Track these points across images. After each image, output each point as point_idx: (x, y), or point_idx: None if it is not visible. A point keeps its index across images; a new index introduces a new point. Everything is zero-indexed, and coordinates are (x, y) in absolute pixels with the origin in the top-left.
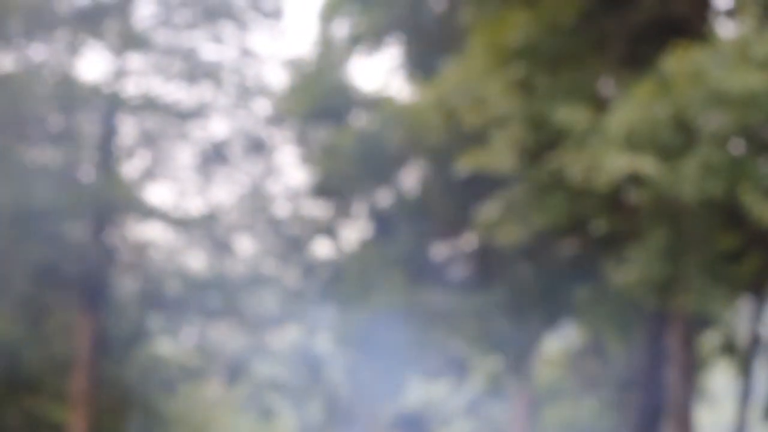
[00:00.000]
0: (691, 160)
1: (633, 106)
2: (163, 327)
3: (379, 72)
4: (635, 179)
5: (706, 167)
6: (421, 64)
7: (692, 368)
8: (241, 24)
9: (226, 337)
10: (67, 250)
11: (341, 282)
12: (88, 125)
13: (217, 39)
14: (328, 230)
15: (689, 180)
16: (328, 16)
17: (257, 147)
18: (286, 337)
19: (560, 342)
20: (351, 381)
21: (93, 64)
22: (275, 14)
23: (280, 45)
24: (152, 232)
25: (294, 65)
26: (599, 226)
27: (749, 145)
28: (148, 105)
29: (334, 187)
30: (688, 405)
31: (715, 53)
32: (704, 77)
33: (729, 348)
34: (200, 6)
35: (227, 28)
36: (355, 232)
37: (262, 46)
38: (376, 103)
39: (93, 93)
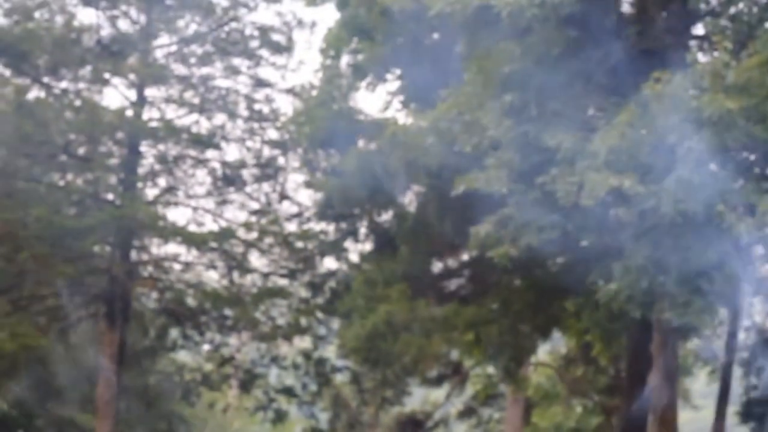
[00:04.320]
0: (671, 180)
1: (616, 129)
2: (181, 338)
3: (381, 99)
4: (619, 197)
5: (685, 186)
6: (419, 92)
7: (674, 373)
8: (254, 58)
9: (241, 348)
10: (93, 266)
11: (347, 295)
12: (113, 151)
13: (231, 71)
14: (335, 248)
15: (669, 198)
16: (329, 49)
17: (267, 170)
18: (296, 348)
19: (551, 349)
20: (356, 388)
21: (116, 94)
22: (286, 49)
23: (288, 76)
24: (172, 249)
25: (301, 94)
26: (586, 242)
27: (726, 165)
28: (168, 132)
29: (338, 207)
30: (671, 407)
31: (692, 80)
32: (682, 103)
33: (708, 355)
34: (215, 42)
35: (240, 62)
36: (359, 249)
37: (272, 77)
38: (378, 129)
39: (117, 121)
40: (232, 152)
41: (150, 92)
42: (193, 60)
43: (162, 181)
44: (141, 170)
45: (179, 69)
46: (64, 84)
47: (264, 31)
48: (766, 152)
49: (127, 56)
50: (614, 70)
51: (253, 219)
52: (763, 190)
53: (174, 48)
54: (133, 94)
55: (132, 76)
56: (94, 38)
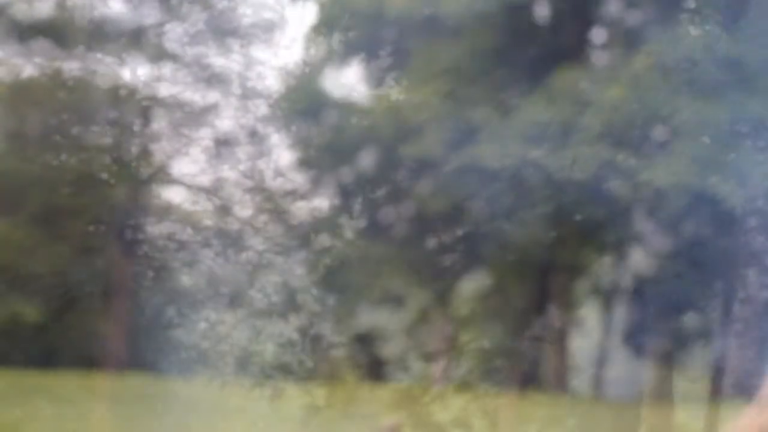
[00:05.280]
0: (571, 152)
1: (530, 111)
2: (182, 265)
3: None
4: (530, 164)
5: (582, 157)
6: (377, 77)
7: (569, 305)
8: (246, 39)
9: (228, 274)
10: (113, 207)
11: (313, 235)
12: (131, 116)
13: (227, 52)
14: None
15: (569, 166)
16: (311, 38)
17: (255, 135)
18: (272, 275)
19: (473, 283)
20: (319, 308)
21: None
22: (272, 30)
23: (274, 59)
24: (176, 195)
25: (284, 75)
26: (503, 199)
27: (614, 142)
28: (175, 103)
29: (310, 166)
30: (566, 332)
31: (590, 74)
32: (582, 92)
33: (596, 291)
34: (208, 20)
35: (235, 44)
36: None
37: (260, 60)
38: (343, 106)
39: (135, 93)
40: (226, 120)
41: (143, 71)
42: (185, 39)
43: (156, 160)
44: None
45: (172, 48)
46: (92, 61)
47: (255, 24)
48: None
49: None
50: (530, 64)
51: (241, 172)
52: (643, 163)
53: (167, 27)
54: (148, 71)
55: (148, 57)
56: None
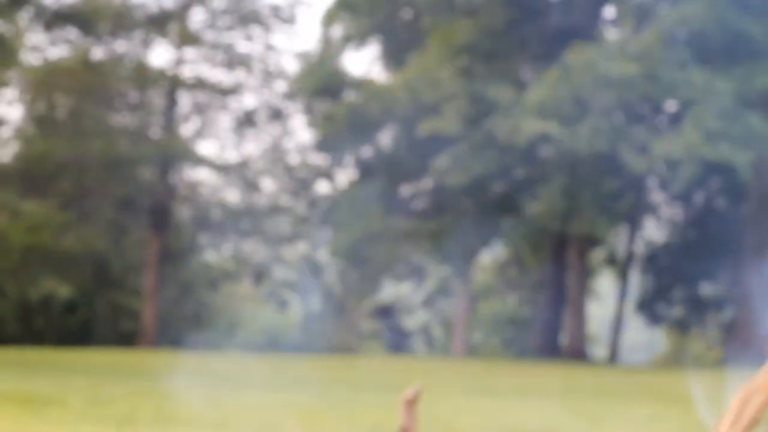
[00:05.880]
0: (585, 126)
1: (544, 87)
2: (208, 242)
3: (364, 61)
4: (544, 138)
5: (595, 131)
6: (394, 56)
7: (585, 274)
8: (266, 26)
9: (254, 251)
10: (140, 187)
11: (336, 211)
12: (156, 98)
13: (248, 37)
14: (327, 174)
15: (583, 140)
16: (327, 21)
17: (277, 115)
18: (297, 251)
19: (491, 255)
20: (342, 282)
21: (160, 54)
22: (291, 19)
23: (293, 41)
24: (201, 175)
25: (303, 56)
26: (519, 172)
27: (626, 115)
28: (199, 84)
29: (331, 144)
30: (582, 301)
31: (602, 50)
32: (594, 67)
33: (611, 260)
34: (236, 13)
35: (256, 29)
36: (346, 176)
37: (280, 42)
38: (362, 85)
39: (160, 75)
40: (249, 100)
41: (186, 53)
42: (219, 28)
43: (194, 122)
44: (178, 114)
45: (209, 35)
46: (120, 46)
47: (275, 7)
48: (657, 106)
49: (169, 25)
50: (543, 41)
51: (265, 152)
52: (655, 136)
53: (205, 19)
54: (173, 54)
55: (172, 40)
56: (143, 10)
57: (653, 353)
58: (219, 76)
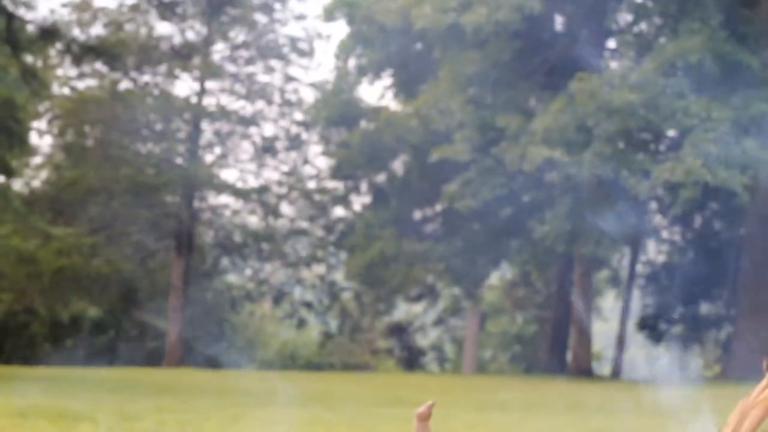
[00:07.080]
0: (589, 152)
1: (550, 115)
2: (230, 265)
3: (378, 92)
4: (551, 164)
5: (599, 157)
6: (406, 87)
7: (590, 294)
8: (284, 59)
9: (273, 272)
10: (166, 212)
11: (352, 235)
12: (181, 127)
13: (268, 69)
14: (343, 199)
15: (587, 165)
16: (341, 53)
17: (295, 143)
18: (314, 272)
19: (500, 276)
20: (358, 302)
21: (184, 86)
22: (308, 52)
23: (310, 72)
24: (224, 200)
25: (320, 87)
26: (526, 196)
27: (628, 142)
28: (221, 114)
29: (347, 170)
30: (587, 319)
31: (605, 80)
32: (598, 96)
33: (614, 280)
34: (256, 46)
35: (275, 62)
36: (361, 201)
37: (298, 73)
38: (376, 114)
39: (184, 106)
40: (268, 129)
41: (209, 84)
42: (240, 61)
43: (217, 150)
44: (201, 142)
45: (230, 68)
46: (145, 78)
47: (293, 40)
48: (658, 133)
49: (193, 58)
50: (549, 71)
51: (284, 178)
52: (656, 161)
53: (227, 52)
54: (196, 86)
55: (196, 73)
56: (168, 44)
57: (654, 369)
58: (240, 106)
